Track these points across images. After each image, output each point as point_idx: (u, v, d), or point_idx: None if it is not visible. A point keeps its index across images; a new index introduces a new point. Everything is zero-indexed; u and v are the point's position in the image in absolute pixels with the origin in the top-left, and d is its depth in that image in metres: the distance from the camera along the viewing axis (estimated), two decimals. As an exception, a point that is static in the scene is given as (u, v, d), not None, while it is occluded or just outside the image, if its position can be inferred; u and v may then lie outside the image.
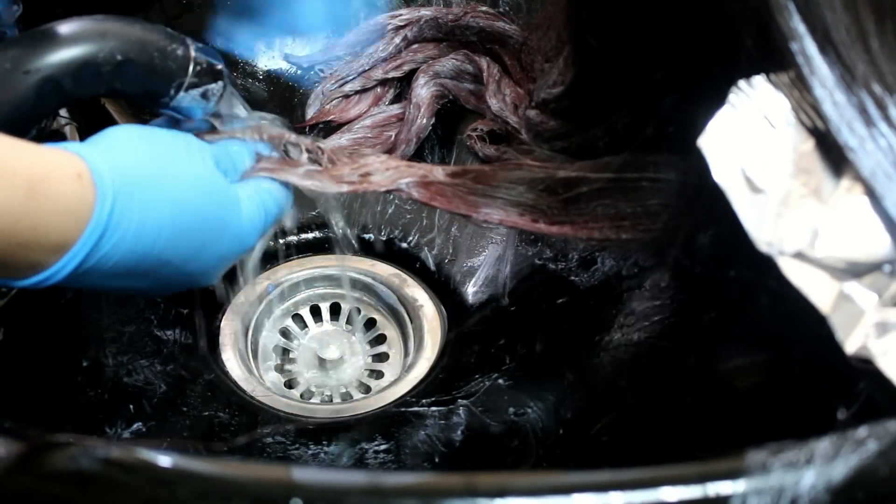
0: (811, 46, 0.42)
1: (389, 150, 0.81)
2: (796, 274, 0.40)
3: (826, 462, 0.32)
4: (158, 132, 0.49)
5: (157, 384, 0.69)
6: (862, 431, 0.33)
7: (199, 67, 0.50)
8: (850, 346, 0.39)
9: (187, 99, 0.51)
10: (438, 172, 0.59)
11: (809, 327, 0.40)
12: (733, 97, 0.43)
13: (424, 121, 0.81)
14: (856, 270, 0.40)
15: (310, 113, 0.84)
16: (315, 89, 0.86)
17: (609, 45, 0.65)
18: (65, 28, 0.47)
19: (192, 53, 0.50)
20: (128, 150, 0.46)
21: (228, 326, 0.75)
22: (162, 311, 0.73)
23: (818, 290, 0.40)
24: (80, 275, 0.44)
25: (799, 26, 0.42)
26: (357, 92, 0.85)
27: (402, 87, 0.86)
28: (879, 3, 0.42)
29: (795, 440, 0.33)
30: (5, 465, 0.33)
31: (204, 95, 0.51)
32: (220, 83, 0.52)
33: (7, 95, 0.45)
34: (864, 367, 0.39)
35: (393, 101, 0.85)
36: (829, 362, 0.40)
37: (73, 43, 0.47)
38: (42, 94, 0.46)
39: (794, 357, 0.50)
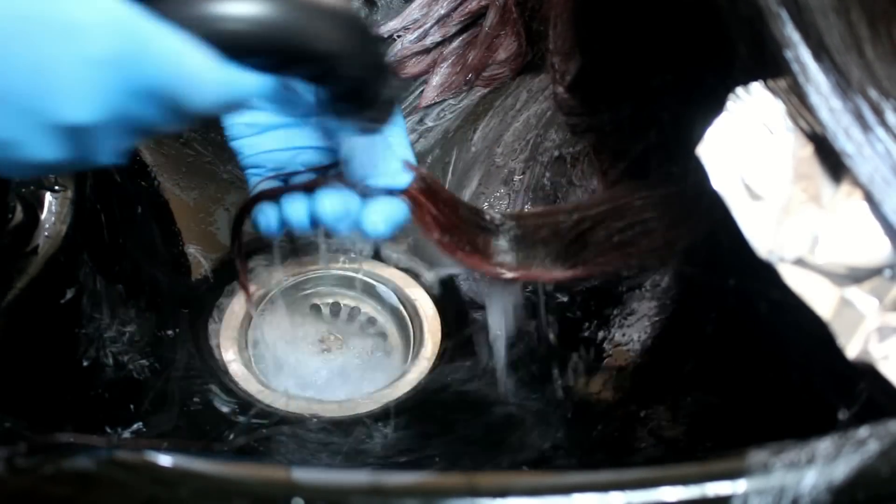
0: (805, 54, 0.41)
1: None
2: (797, 281, 0.40)
3: (827, 462, 0.32)
4: None
5: (157, 384, 0.68)
6: (863, 432, 0.33)
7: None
8: (852, 352, 0.39)
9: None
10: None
11: (810, 329, 0.40)
12: (731, 104, 0.42)
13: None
14: (856, 276, 0.40)
15: None
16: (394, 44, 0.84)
17: (606, 50, 0.65)
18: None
19: (391, 95, 0.49)
20: None
21: (229, 326, 0.75)
22: (162, 311, 0.73)
23: (819, 296, 0.40)
24: None
25: (793, 34, 0.41)
26: (437, 44, 0.83)
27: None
28: (871, 8, 0.41)
29: (797, 440, 0.33)
30: (5, 465, 0.33)
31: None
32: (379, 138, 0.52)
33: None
34: (866, 369, 0.39)
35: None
36: (830, 363, 0.40)
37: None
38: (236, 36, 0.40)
39: (794, 357, 0.50)
